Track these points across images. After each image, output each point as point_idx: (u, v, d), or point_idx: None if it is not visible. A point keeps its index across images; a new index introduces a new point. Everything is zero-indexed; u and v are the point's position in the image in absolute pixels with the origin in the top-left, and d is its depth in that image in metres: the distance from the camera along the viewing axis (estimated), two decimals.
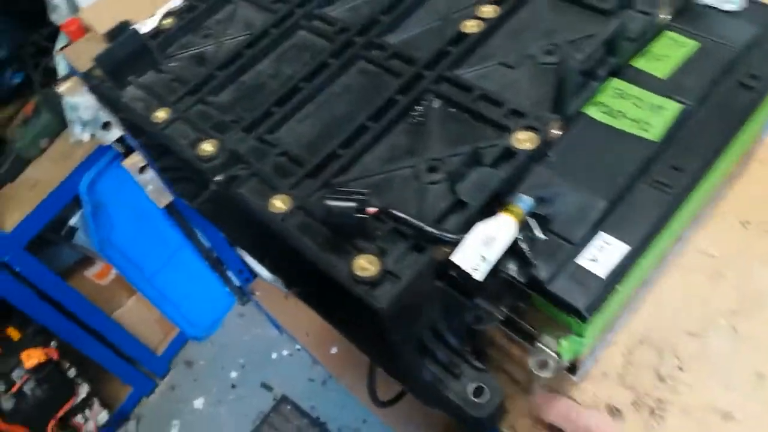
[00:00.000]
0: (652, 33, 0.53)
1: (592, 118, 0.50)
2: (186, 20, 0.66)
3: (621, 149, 0.48)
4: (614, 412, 0.54)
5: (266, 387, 1.79)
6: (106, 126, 1.23)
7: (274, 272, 0.67)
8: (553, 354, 0.52)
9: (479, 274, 0.42)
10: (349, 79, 0.58)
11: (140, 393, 1.79)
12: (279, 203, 0.48)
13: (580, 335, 0.46)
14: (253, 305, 1.94)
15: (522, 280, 0.45)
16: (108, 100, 0.62)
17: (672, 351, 0.56)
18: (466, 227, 0.44)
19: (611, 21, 0.49)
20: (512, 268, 0.45)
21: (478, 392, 0.48)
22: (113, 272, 1.65)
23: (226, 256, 1.69)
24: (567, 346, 0.47)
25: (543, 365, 0.52)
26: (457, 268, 0.42)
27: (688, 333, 0.57)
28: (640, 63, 0.53)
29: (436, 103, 0.54)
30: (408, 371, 0.49)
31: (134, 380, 1.75)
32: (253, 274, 1.71)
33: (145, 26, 0.68)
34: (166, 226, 1.62)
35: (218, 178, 0.51)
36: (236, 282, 1.87)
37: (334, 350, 1.59)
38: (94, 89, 0.63)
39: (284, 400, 1.76)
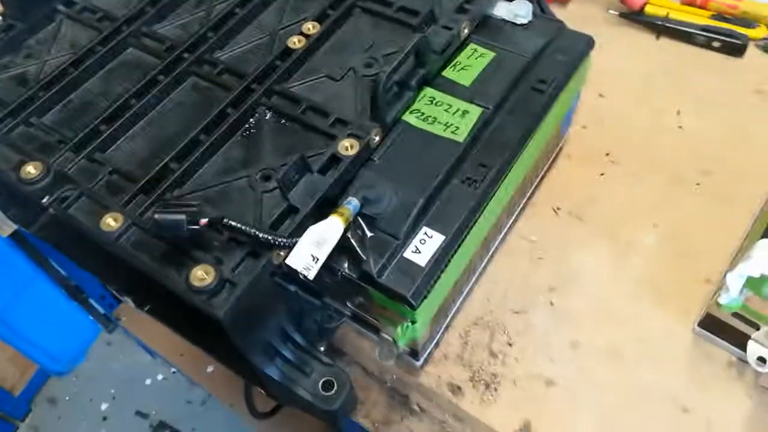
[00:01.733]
0: (455, 45, 0.59)
1: (410, 124, 0.55)
2: (4, 40, 0.63)
3: (435, 151, 0.53)
4: (456, 390, 0.59)
5: (141, 415, 1.72)
6: None
7: (122, 294, 0.66)
8: (391, 340, 0.56)
9: (311, 273, 0.45)
10: (181, 95, 0.59)
11: None
12: (111, 221, 0.48)
13: (413, 321, 0.50)
14: (121, 332, 1.85)
15: (354, 275, 0.48)
16: None
17: (502, 329, 0.62)
18: (298, 231, 0.47)
19: (415, 35, 0.54)
20: (345, 266, 0.49)
21: (327, 386, 0.51)
22: None
23: (85, 283, 1.60)
24: (401, 333, 0.51)
25: (387, 354, 0.57)
26: (291, 269, 0.44)
27: (514, 311, 0.63)
28: (448, 72, 0.59)
29: (268, 115, 0.56)
30: (260, 374, 0.51)
31: None
32: (117, 299, 1.63)
33: None
34: (12, 256, 1.50)
35: (45, 200, 0.50)
36: (100, 309, 1.77)
37: (210, 369, 1.56)
38: None
39: (162, 426, 1.69)
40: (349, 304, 0.58)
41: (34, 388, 1.74)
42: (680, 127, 0.76)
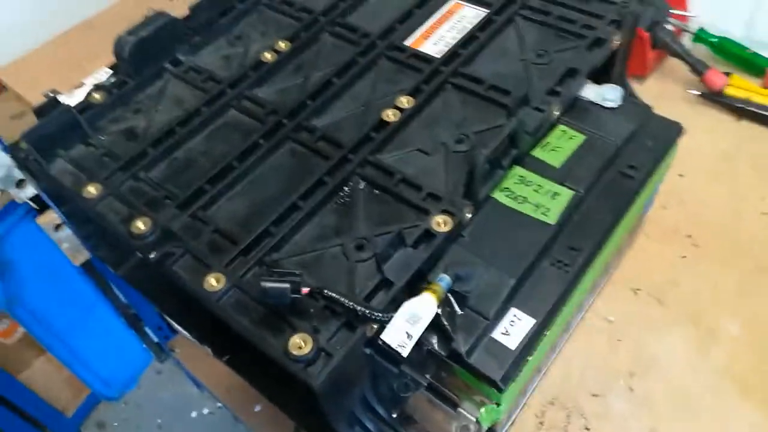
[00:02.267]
0: (546, 127, 0.60)
1: (499, 202, 0.56)
2: (116, 95, 0.68)
3: (525, 231, 0.54)
4: None
5: None
6: (20, 184, 1.19)
7: (202, 342, 0.68)
8: (473, 419, 0.56)
9: (405, 351, 0.46)
10: (279, 159, 0.61)
11: None
12: (213, 281, 0.50)
13: (497, 403, 0.50)
14: (171, 363, 1.89)
15: (443, 353, 0.49)
16: (35, 173, 0.63)
17: (578, 411, 0.62)
18: (392, 304, 0.48)
19: (512, 118, 0.55)
20: (434, 342, 0.49)
21: None
22: (20, 330, 1.57)
23: (144, 313, 1.65)
24: (486, 415, 0.51)
25: (465, 430, 0.57)
26: (386, 345, 0.45)
27: (592, 394, 0.63)
28: (538, 152, 0.60)
29: (362, 185, 0.58)
30: None
31: None
32: (173, 331, 1.67)
33: (72, 98, 0.69)
34: (80, 282, 1.56)
35: (152, 256, 0.53)
36: (154, 338, 1.82)
37: (257, 408, 1.57)
38: (21, 163, 0.63)
39: None
40: (428, 376, 0.58)
41: (84, 411, 1.78)
42: (764, 213, 0.75)
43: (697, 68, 0.85)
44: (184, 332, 1.37)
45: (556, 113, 0.61)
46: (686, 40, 0.89)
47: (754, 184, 0.77)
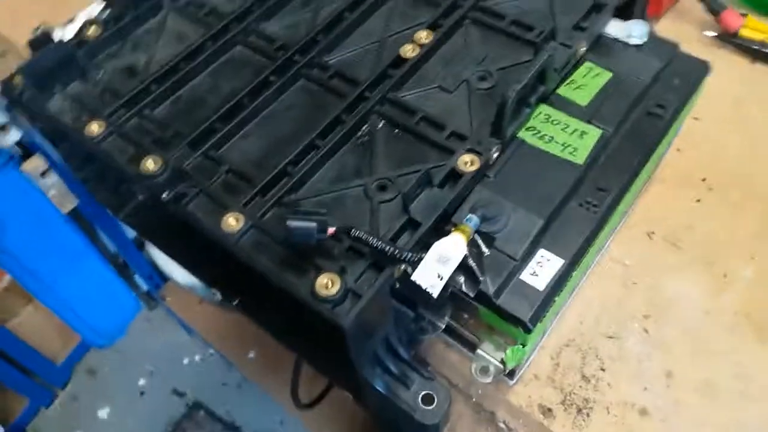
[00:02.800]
0: (572, 64, 0.58)
1: (525, 142, 0.54)
2: (112, 30, 0.64)
3: (553, 171, 0.53)
4: (546, 412, 0.59)
5: (178, 393, 1.74)
6: (2, 128, 1.14)
7: (212, 285, 0.66)
8: (494, 360, 0.55)
9: (436, 291, 0.44)
10: (292, 97, 0.59)
11: (37, 405, 1.68)
12: (232, 221, 0.48)
13: (523, 344, 0.50)
14: (161, 311, 1.88)
15: (471, 294, 0.48)
16: (31, 111, 0.59)
17: (594, 353, 0.62)
18: (419, 245, 0.47)
19: (541, 52, 0.53)
20: (462, 283, 0.48)
21: (427, 400, 0.51)
22: (7, 278, 1.54)
23: (134, 261, 1.63)
24: (511, 355, 0.51)
25: (485, 371, 0.56)
26: (416, 285, 0.44)
27: (607, 336, 0.63)
28: (564, 90, 0.58)
29: (380, 124, 0.56)
30: (363, 384, 0.51)
31: (30, 391, 1.64)
32: (164, 279, 1.66)
33: (66, 32, 0.65)
34: (67, 231, 1.52)
35: (164, 196, 0.51)
36: (144, 287, 1.80)
37: (251, 355, 1.58)
38: (14, 100, 0.59)
39: (197, 405, 1.72)
40: (446, 318, 0.57)
41: (75, 358, 1.77)
42: None
43: (714, 7, 0.83)
44: (180, 279, 1.35)
45: (583, 49, 0.58)
46: None
47: (766, 125, 0.76)
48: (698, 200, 0.71)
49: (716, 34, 0.85)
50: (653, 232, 0.69)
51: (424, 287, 0.44)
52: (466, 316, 0.53)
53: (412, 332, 0.57)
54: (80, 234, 1.55)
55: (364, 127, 0.55)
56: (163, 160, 0.52)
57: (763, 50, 0.82)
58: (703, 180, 0.73)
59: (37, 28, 0.68)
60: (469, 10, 0.62)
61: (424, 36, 0.59)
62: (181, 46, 0.62)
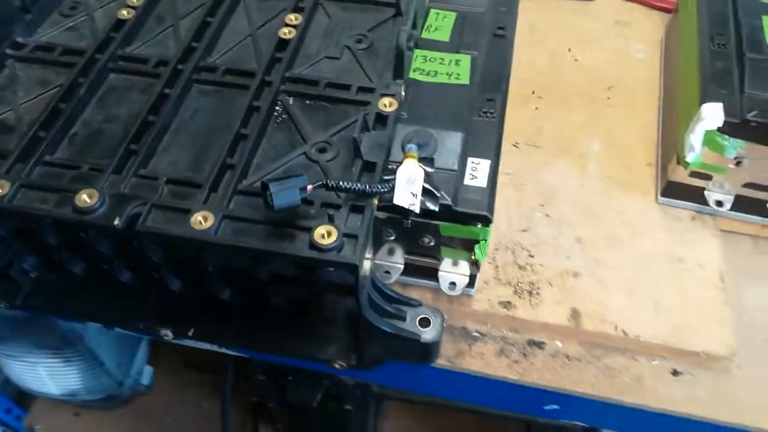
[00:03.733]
0: (426, 11, 0.67)
1: (418, 80, 0.62)
2: None
3: (450, 96, 0.61)
4: (507, 305, 0.67)
5: None
6: None
7: (160, 326, 0.62)
8: (457, 273, 0.62)
9: (416, 208, 0.50)
10: (193, 103, 0.59)
11: None
12: (201, 219, 0.48)
13: (485, 239, 0.57)
14: None
15: (435, 208, 0.54)
16: None
17: (519, 246, 0.71)
18: (382, 181, 0.51)
19: (409, 1, 0.61)
20: (424, 201, 0.54)
21: (424, 323, 0.56)
22: None
23: None
24: (479, 252, 0.57)
25: (452, 285, 0.63)
26: (399, 208, 0.49)
27: (522, 230, 0.73)
28: (425, 35, 0.67)
29: (291, 100, 0.59)
30: (366, 330, 0.54)
31: None
32: (26, 407, 1.45)
33: None
34: None
35: (117, 223, 0.49)
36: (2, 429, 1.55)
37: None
38: None
39: None
40: (402, 256, 0.63)
41: None
42: (576, 60, 0.92)
43: None
44: (54, 390, 1.20)
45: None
46: None
47: (558, 42, 0.94)
48: (536, 108, 0.85)
49: None
50: (517, 143, 0.81)
51: (406, 206, 0.49)
52: (426, 240, 0.59)
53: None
54: None
55: (277, 108, 0.59)
56: (98, 192, 0.50)
57: None
58: (533, 93, 0.87)
59: None
60: None
61: (293, 18, 0.64)
62: (50, 89, 0.59)
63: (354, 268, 0.46)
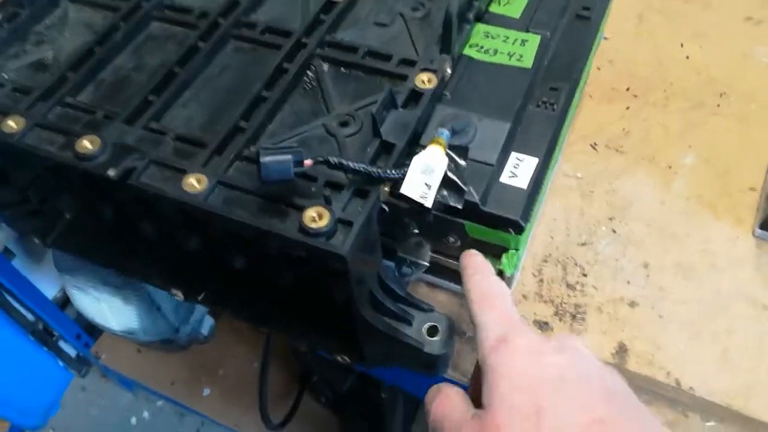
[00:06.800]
0: None
1: (472, 58, 0.54)
2: (9, 29, 0.58)
3: (506, 79, 0.53)
4: (543, 325, 0.58)
5: None
6: None
7: (171, 286, 0.61)
8: None
9: (428, 202, 0.43)
10: (225, 59, 0.56)
11: None
12: (194, 182, 0.45)
13: (516, 249, 0.49)
14: (95, 374, 1.74)
15: (459, 206, 0.47)
16: None
17: (572, 262, 0.62)
18: (398, 166, 0.45)
19: None
20: (447, 196, 0.47)
21: (432, 331, 0.49)
22: None
23: (59, 323, 1.50)
24: (507, 262, 0.50)
25: None
26: (407, 199, 0.43)
27: (580, 244, 0.63)
28: (494, 8, 0.59)
29: (325, 67, 0.54)
30: (363, 329, 0.48)
31: None
32: (94, 336, 1.54)
33: None
34: None
35: (111, 173, 0.46)
36: (72, 352, 1.66)
37: (206, 392, 1.49)
38: None
39: None
40: (428, 253, 0.56)
41: None
42: (687, 58, 0.79)
43: None
44: (115, 326, 1.25)
45: None
46: None
47: (670, 34, 0.81)
48: (627, 107, 0.74)
49: None
50: (596, 143, 0.71)
51: (415, 198, 0.43)
52: (451, 240, 0.52)
53: (398, 274, 0.56)
54: None
55: (309, 73, 0.54)
56: (101, 139, 0.47)
57: None
58: (627, 89, 0.76)
59: None
60: None
61: None
62: (92, 33, 0.58)
63: (341, 259, 0.41)
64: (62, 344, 1.63)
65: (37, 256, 1.50)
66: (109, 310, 1.22)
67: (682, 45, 0.80)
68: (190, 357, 1.47)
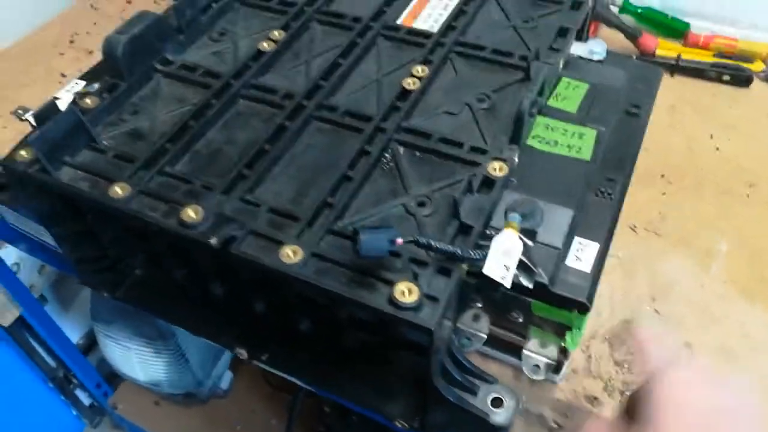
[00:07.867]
0: (557, 79, 0.65)
1: (535, 148, 0.60)
2: (109, 99, 0.64)
3: (566, 169, 0.58)
4: (593, 401, 0.61)
5: None
6: None
7: (235, 344, 0.64)
8: (542, 357, 0.58)
9: (507, 282, 0.47)
10: (309, 138, 0.61)
11: None
12: (290, 253, 0.49)
13: (579, 328, 0.53)
14: (106, 425, 1.73)
15: (529, 285, 0.51)
16: (43, 183, 0.57)
17: (618, 339, 0.66)
18: (476, 247, 0.50)
19: (538, 68, 0.59)
20: (518, 276, 0.51)
21: (496, 402, 0.52)
22: None
23: (80, 369, 1.51)
24: (571, 340, 0.53)
25: (536, 368, 0.59)
26: (488, 279, 0.47)
27: (625, 321, 0.67)
28: (552, 102, 0.64)
29: (402, 150, 0.59)
30: (433, 398, 0.51)
31: None
32: (114, 385, 1.55)
33: (61, 104, 0.64)
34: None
35: (213, 241, 0.50)
36: (86, 401, 1.66)
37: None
38: (20, 174, 0.57)
39: None
40: (487, 326, 0.60)
41: None
42: (717, 148, 0.85)
43: (634, 34, 0.96)
44: (141, 376, 1.27)
45: (561, 66, 0.66)
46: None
47: (700, 126, 0.87)
48: (663, 193, 0.80)
49: (635, 56, 0.97)
50: (635, 226, 0.76)
51: (496, 279, 0.47)
52: (514, 315, 0.56)
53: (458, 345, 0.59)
54: (14, 351, 1.43)
55: (387, 155, 0.59)
56: (204, 208, 0.52)
57: (680, 64, 0.94)
58: (662, 176, 0.82)
59: (23, 109, 0.66)
60: (452, 45, 0.68)
61: (420, 70, 0.64)
62: (185, 106, 0.64)
63: (429, 333, 0.45)
64: (78, 392, 1.63)
65: (66, 303, 1.53)
66: (138, 360, 1.24)
67: (711, 136, 0.86)
68: (209, 411, 1.47)
